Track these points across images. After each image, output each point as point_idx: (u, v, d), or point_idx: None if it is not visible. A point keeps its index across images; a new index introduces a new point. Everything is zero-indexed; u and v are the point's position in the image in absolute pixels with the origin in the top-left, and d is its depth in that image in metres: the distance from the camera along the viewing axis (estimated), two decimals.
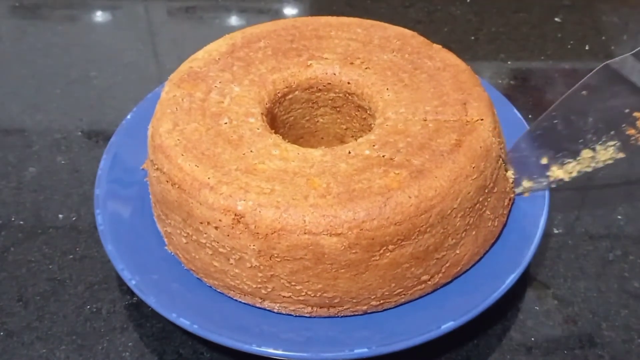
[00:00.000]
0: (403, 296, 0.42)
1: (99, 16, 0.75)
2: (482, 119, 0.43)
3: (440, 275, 0.42)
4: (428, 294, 0.42)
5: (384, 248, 0.39)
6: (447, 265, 0.42)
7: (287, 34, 0.50)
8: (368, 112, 0.47)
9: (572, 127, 0.41)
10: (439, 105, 0.44)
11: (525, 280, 0.47)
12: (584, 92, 0.40)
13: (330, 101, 0.49)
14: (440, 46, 0.49)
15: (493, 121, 0.44)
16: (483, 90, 0.46)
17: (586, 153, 0.42)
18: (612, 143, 0.41)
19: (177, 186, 0.41)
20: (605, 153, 0.41)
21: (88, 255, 0.49)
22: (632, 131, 0.40)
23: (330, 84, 0.48)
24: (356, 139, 0.43)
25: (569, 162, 0.43)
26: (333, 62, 0.48)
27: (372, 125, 0.45)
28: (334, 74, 0.48)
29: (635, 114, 0.40)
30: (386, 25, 0.51)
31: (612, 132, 0.40)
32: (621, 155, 0.41)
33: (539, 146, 0.42)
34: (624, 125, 0.40)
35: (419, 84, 0.46)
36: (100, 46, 0.70)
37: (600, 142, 0.41)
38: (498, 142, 0.44)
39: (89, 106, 0.62)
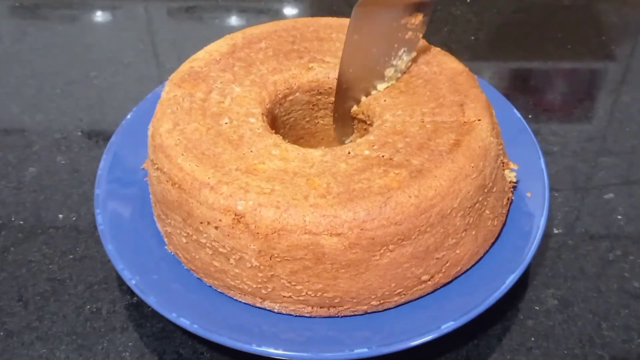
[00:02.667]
0: (403, 296, 0.42)
1: (99, 16, 0.75)
2: (479, 120, 0.43)
3: (441, 275, 0.42)
4: (428, 294, 0.42)
5: (384, 248, 0.39)
6: (447, 265, 0.42)
7: (288, 35, 0.50)
8: (367, 122, 0.47)
9: (368, 65, 0.46)
10: (436, 107, 0.44)
11: (525, 280, 0.47)
12: (355, 37, 0.45)
13: (330, 104, 0.49)
14: (438, 49, 0.49)
15: (491, 122, 0.44)
16: (481, 91, 0.46)
17: (388, 72, 0.47)
18: (401, 52, 0.46)
19: (177, 186, 0.41)
20: (402, 62, 0.47)
21: (88, 255, 0.49)
22: (409, 34, 0.46)
23: (331, 88, 0.48)
24: (356, 140, 0.43)
25: (381, 84, 0.47)
26: (335, 66, 0.48)
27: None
28: (336, 79, 0.48)
29: (404, 20, 0.45)
30: None
31: (396, 45, 0.46)
32: (413, 54, 0.47)
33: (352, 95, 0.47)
34: (400, 33, 0.46)
35: (415, 89, 0.46)
36: (100, 46, 0.70)
37: (394, 58, 0.46)
38: (496, 142, 0.44)
39: (89, 106, 0.62)
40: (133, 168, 0.49)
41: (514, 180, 0.46)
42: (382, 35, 0.45)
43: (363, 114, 0.47)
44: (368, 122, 0.47)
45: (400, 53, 0.46)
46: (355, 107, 0.47)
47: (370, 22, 0.44)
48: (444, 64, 0.48)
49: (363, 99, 0.47)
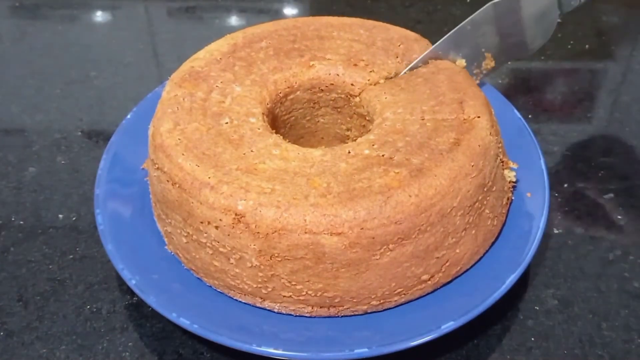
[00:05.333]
0: (403, 296, 0.42)
1: (99, 16, 0.75)
2: (479, 117, 0.43)
3: (441, 274, 0.42)
4: (428, 293, 0.42)
5: (385, 247, 0.39)
6: (447, 264, 0.42)
7: (289, 34, 0.50)
8: (367, 118, 0.47)
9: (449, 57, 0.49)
10: (436, 105, 0.44)
11: (525, 280, 0.47)
12: (468, 27, 0.47)
13: (331, 101, 0.49)
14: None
15: (490, 119, 0.44)
16: (479, 89, 0.46)
17: None
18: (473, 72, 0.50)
19: (177, 186, 0.41)
20: None
21: (88, 255, 0.49)
22: (477, 71, 0.48)
23: (332, 84, 0.48)
24: (356, 139, 0.43)
25: None
26: (336, 62, 0.48)
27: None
28: (337, 75, 0.48)
29: (486, 53, 0.47)
30: (389, 26, 0.51)
31: (476, 71, 0.48)
32: None
33: None
34: (475, 63, 0.48)
35: (415, 87, 0.46)
36: (100, 46, 0.70)
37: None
38: (496, 140, 0.44)
39: (89, 106, 0.62)
40: (133, 168, 0.49)
41: (514, 179, 0.46)
42: (474, 47, 0.47)
43: (363, 108, 0.47)
44: (367, 118, 0.47)
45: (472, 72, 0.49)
46: (357, 99, 0.47)
47: (480, 28, 0.46)
48: (440, 64, 0.48)
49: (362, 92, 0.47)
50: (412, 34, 0.51)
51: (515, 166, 0.46)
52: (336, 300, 0.41)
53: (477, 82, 0.48)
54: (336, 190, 0.39)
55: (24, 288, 0.47)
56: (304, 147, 0.42)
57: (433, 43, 0.50)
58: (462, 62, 0.49)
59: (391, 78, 0.47)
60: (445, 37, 0.48)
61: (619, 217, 0.52)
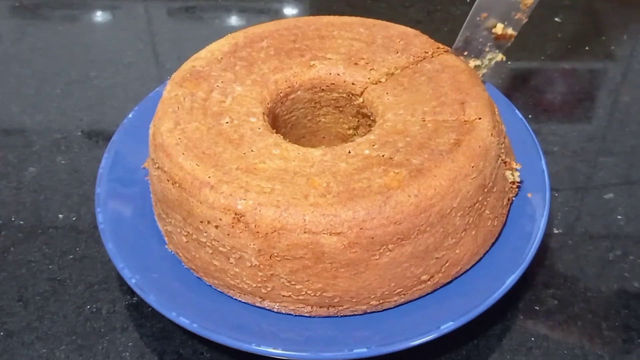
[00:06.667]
0: (403, 296, 0.42)
1: (99, 16, 0.75)
2: (479, 118, 0.43)
3: (440, 275, 0.42)
4: (428, 294, 0.42)
5: (384, 247, 0.39)
6: (446, 265, 0.42)
7: (290, 34, 0.50)
8: (371, 117, 0.47)
9: (472, 41, 0.51)
10: (437, 106, 0.44)
11: (525, 280, 0.47)
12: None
13: (333, 101, 0.49)
14: (442, 46, 0.49)
15: (492, 120, 0.44)
16: (483, 90, 0.46)
17: (473, 63, 0.52)
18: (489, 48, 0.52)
19: (177, 185, 0.41)
20: (490, 57, 0.52)
21: (88, 255, 0.49)
22: (519, 15, 0.50)
23: (334, 84, 0.48)
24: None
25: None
26: (337, 62, 0.48)
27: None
28: (338, 74, 0.48)
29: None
30: (388, 24, 0.51)
31: (506, 22, 0.50)
32: (499, 55, 0.52)
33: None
34: (513, 12, 0.49)
35: (418, 86, 0.46)
36: (100, 46, 0.70)
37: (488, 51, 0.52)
38: (497, 141, 0.44)
39: (89, 106, 0.62)
40: (134, 167, 0.49)
41: (518, 180, 0.46)
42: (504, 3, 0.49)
43: (367, 108, 0.47)
44: (372, 118, 0.47)
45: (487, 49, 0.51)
46: (359, 100, 0.47)
47: None
48: (446, 62, 0.48)
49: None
50: (411, 30, 0.51)
51: (519, 167, 0.46)
52: (335, 300, 0.41)
53: (525, 20, 0.50)
54: (336, 190, 0.39)
55: (24, 288, 0.47)
56: (304, 147, 0.42)
57: None
58: (475, 62, 0.50)
59: (393, 74, 0.47)
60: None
61: (619, 217, 0.52)
